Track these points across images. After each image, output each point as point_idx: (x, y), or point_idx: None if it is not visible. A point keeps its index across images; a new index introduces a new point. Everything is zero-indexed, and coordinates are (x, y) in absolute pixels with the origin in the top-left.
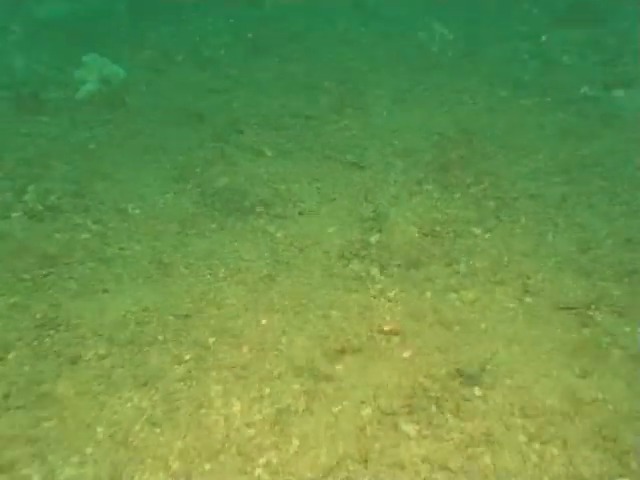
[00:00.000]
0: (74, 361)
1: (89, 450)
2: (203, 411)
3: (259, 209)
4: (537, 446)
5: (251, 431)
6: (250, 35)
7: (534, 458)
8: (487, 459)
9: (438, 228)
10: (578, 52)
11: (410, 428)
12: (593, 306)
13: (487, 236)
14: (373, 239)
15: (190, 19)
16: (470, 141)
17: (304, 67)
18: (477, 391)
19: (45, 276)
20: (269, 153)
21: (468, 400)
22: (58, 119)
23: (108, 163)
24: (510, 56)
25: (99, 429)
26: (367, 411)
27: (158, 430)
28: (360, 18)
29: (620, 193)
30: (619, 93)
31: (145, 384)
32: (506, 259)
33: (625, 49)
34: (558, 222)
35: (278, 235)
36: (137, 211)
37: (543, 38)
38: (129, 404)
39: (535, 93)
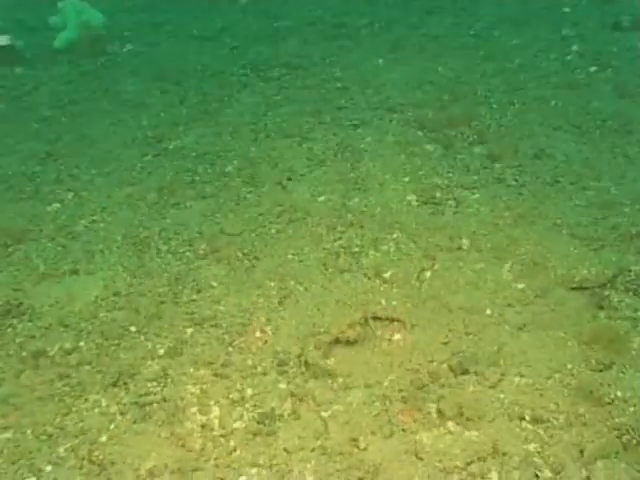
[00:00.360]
0: (37, 357)
1: (48, 468)
2: (177, 418)
3: (244, 173)
4: (550, 457)
5: (231, 443)
6: None
7: (547, 473)
8: (494, 476)
9: (438, 194)
10: None
11: (408, 439)
12: (609, 284)
13: (492, 205)
14: (367, 209)
15: None
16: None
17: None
18: (482, 390)
19: (9, 255)
20: (257, 108)
21: (472, 402)
22: (34, 70)
23: (84, 120)
24: None
25: (61, 441)
26: (360, 416)
27: (127, 442)
28: None
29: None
30: None
31: (114, 384)
32: (513, 232)
33: None
34: (567, 187)
35: (264, 204)
36: (113, 177)
37: None
38: (96, 409)
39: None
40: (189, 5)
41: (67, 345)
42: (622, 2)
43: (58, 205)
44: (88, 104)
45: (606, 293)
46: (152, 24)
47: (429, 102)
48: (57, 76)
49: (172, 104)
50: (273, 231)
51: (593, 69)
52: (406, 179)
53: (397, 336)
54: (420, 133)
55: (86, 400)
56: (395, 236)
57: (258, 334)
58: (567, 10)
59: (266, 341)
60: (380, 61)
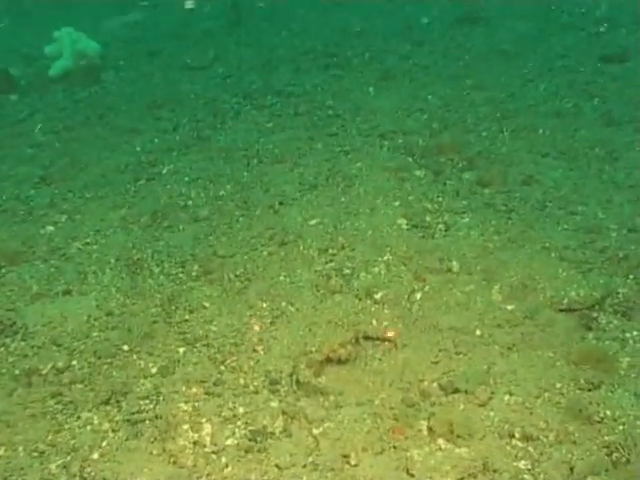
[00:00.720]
0: (30, 375)
1: None
2: (169, 435)
3: (237, 197)
4: (540, 474)
5: (222, 459)
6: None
7: None
8: None
9: (429, 218)
10: None
11: (399, 455)
12: (597, 307)
13: (481, 229)
14: (359, 232)
15: None
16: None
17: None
18: (472, 408)
19: (3, 276)
20: (250, 135)
21: (462, 420)
22: (28, 98)
23: (78, 146)
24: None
25: (53, 458)
26: (351, 433)
27: (119, 459)
28: None
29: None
30: None
31: (107, 402)
32: (503, 255)
33: None
34: (555, 211)
35: (257, 228)
36: (106, 201)
37: None
38: (88, 427)
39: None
40: (183, 35)
41: (60, 364)
42: (609, 35)
43: (52, 228)
44: (82, 130)
45: (594, 315)
46: (146, 53)
47: (419, 130)
48: (52, 103)
49: (166, 131)
50: (265, 254)
51: (580, 99)
52: (396, 203)
53: (387, 355)
54: (410, 159)
55: (78, 418)
56: (386, 258)
57: (250, 354)
58: (555, 42)
59: (258, 361)
60: (371, 89)
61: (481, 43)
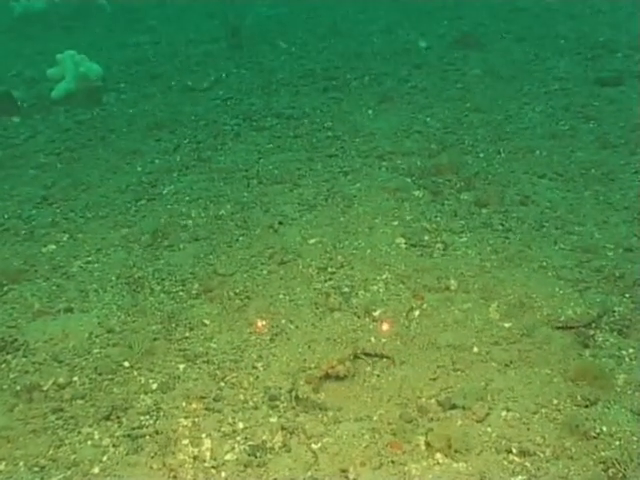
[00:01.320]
0: (31, 391)
1: None
2: (169, 450)
3: (237, 217)
4: None
5: (222, 474)
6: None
7: None
8: None
9: (427, 238)
10: None
11: (397, 470)
12: (594, 324)
13: (479, 248)
14: (357, 251)
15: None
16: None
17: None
18: (470, 424)
19: (4, 294)
20: (249, 156)
21: (460, 435)
22: (31, 120)
23: (80, 167)
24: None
25: (54, 473)
26: (350, 448)
27: (119, 473)
28: None
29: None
30: None
31: (107, 417)
32: (500, 274)
33: None
34: (552, 231)
35: (256, 247)
36: (107, 220)
37: None
38: (89, 442)
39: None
40: (184, 59)
41: (61, 380)
42: (605, 58)
43: (53, 247)
44: (84, 151)
45: (591, 332)
46: (148, 76)
47: (417, 151)
48: (54, 125)
49: (166, 152)
50: (265, 272)
51: (576, 121)
52: (395, 223)
53: (385, 372)
54: (409, 180)
55: (79, 433)
56: (384, 277)
57: (249, 370)
58: (551, 66)
59: (258, 377)
60: (370, 112)
61: (478, 66)
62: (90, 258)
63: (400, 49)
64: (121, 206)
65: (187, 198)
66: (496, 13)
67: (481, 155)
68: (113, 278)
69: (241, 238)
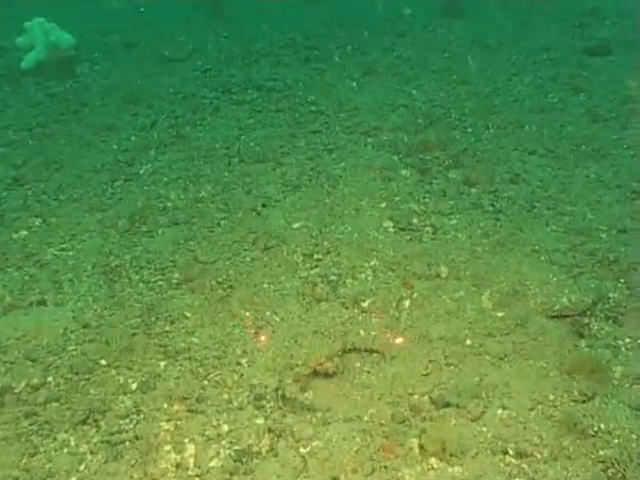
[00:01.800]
0: (2, 394)
1: None
2: (151, 457)
3: (218, 199)
4: None
5: None
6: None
7: None
8: None
9: (415, 221)
10: None
11: (390, 476)
12: (589, 312)
13: (469, 231)
14: (344, 236)
15: None
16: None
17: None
18: (465, 423)
19: None
20: (230, 132)
21: (455, 436)
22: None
23: (52, 144)
24: None
25: None
26: (340, 453)
27: None
28: None
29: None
30: None
31: (84, 422)
32: (492, 259)
33: None
34: (543, 212)
35: (239, 232)
36: (82, 203)
37: None
38: (65, 449)
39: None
40: (161, 26)
41: (34, 381)
42: (592, 26)
43: (25, 232)
44: (56, 127)
45: (586, 321)
46: (123, 45)
47: (404, 126)
48: (24, 98)
49: (143, 127)
50: (248, 259)
51: (566, 94)
52: (382, 205)
53: (375, 368)
54: (395, 158)
55: (54, 439)
56: (373, 264)
57: (234, 367)
58: (539, 35)
59: (242, 375)
60: (354, 84)
61: (464, 35)
62: (64, 245)
63: (383, 17)
64: (96, 187)
65: (165, 178)
66: None
67: (469, 130)
68: (89, 267)
69: (223, 222)
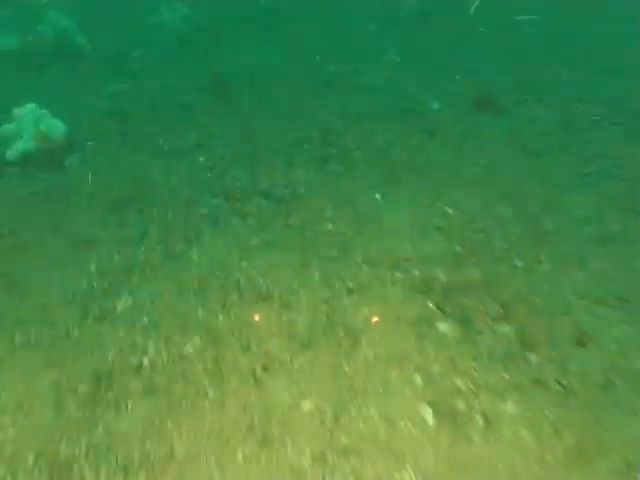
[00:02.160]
0: None
1: None
2: None
3: (207, 356)
4: None
5: None
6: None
7: None
8: None
9: (461, 405)
10: None
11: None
12: None
13: (533, 425)
14: (368, 428)
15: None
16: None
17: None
18: None
19: None
20: (229, 255)
21: None
22: None
23: (21, 260)
24: None
25: None
26: None
27: None
28: None
29: None
30: None
31: None
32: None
33: None
34: (625, 396)
35: (230, 410)
36: (39, 352)
37: None
38: None
39: None
40: (162, 113)
41: None
42: None
43: None
44: (29, 236)
45: None
46: (119, 133)
47: (439, 256)
48: (4, 194)
49: (129, 241)
50: (240, 457)
51: (628, 217)
52: (417, 378)
53: None
54: (431, 304)
55: None
56: (405, 476)
57: None
58: (587, 140)
59: None
60: (377, 196)
61: (501, 137)
62: (4, 419)
63: (407, 109)
64: (60, 328)
65: (146, 319)
66: (510, 67)
67: (518, 264)
68: (30, 459)
69: (210, 392)
